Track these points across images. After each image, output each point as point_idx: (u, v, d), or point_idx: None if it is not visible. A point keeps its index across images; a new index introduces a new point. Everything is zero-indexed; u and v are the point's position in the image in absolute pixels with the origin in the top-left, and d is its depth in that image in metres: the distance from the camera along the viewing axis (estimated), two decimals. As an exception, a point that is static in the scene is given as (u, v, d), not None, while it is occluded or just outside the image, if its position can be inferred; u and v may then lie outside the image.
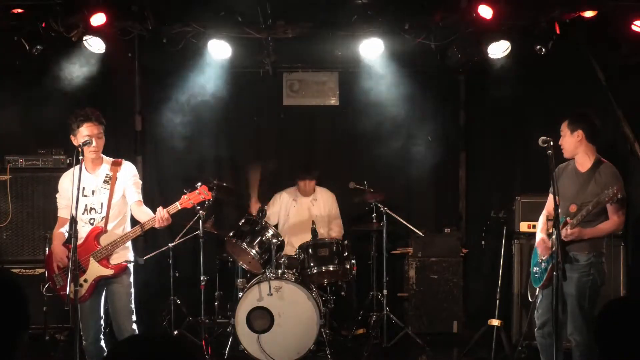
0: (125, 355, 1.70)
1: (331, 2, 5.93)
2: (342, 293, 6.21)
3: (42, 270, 5.87)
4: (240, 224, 5.96)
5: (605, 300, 4.62)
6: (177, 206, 4.50)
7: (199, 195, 4.55)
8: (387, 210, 6.17)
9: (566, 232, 4.49)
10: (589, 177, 4.59)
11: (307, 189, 6.66)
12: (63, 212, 4.60)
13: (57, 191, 4.65)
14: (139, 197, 4.61)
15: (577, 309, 4.56)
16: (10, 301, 1.79)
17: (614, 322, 2.03)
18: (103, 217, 4.49)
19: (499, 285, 5.85)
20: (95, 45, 5.85)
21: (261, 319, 5.52)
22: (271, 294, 5.53)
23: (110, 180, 4.53)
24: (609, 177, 4.52)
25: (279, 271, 5.66)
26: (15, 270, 6.14)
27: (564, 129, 4.67)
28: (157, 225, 4.42)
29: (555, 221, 4.48)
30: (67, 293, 4.04)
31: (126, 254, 4.58)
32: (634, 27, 5.64)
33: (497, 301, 5.83)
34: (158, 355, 1.69)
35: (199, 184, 4.64)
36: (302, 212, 6.65)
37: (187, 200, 4.52)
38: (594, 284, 4.56)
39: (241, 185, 6.96)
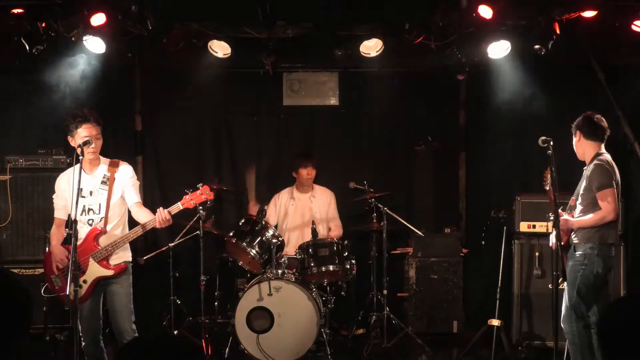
0: (132, 357, 1.70)
1: (331, 2, 5.93)
2: (342, 293, 6.20)
3: (42, 270, 5.84)
4: (240, 224, 5.96)
5: (605, 300, 4.72)
6: (179, 206, 4.49)
7: (200, 195, 4.54)
8: (387, 210, 6.17)
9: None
10: (586, 172, 4.81)
11: (309, 178, 6.59)
12: (60, 213, 4.61)
13: (54, 192, 4.65)
14: (138, 198, 4.60)
15: (567, 297, 4.69)
16: (11, 304, 1.78)
17: (617, 322, 2.03)
18: (102, 218, 4.49)
19: (499, 285, 5.85)
20: (95, 45, 5.85)
21: (261, 319, 5.52)
22: (271, 294, 5.53)
23: (108, 181, 4.52)
24: (591, 172, 4.72)
25: (279, 271, 5.65)
26: (15, 270, 6.14)
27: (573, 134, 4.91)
28: (158, 226, 4.42)
29: (555, 221, 4.54)
30: (67, 294, 4.04)
31: (126, 255, 4.58)
32: (634, 27, 5.64)
33: (497, 301, 5.83)
34: (164, 357, 1.69)
35: (201, 184, 4.63)
36: (300, 211, 6.64)
37: (189, 200, 4.52)
38: (585, 276, 4.65)
39: (241, 185, 6.96)
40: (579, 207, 4.82)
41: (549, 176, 4.72)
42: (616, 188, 4.69)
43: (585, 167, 4.86)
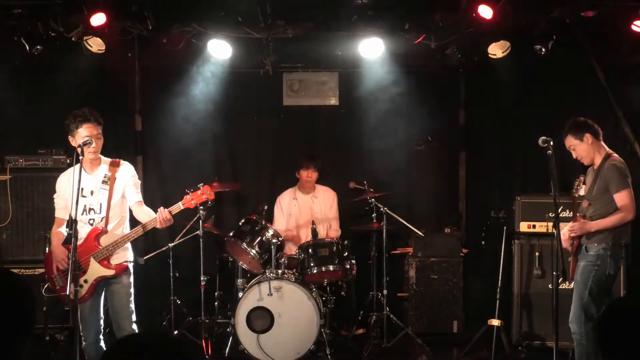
0: (122, 355, 1.70)
1: (331, 2, 5.93)
2: (342, 293, 6.20)
3: (42, 270, 5.85)
4: (240, 224, 5.96)
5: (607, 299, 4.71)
6: (179, 206, 4.49)
7: (201, 195, 4.54)
8: (387, 210, 6.17)
9: (571, 226, 4.69)
10: (598, 173, 4.76)
11: (309, 180, 6.57)
12: (60, 213, 4.60)
13: (55, 191, 4.65)
14: (139, 197, 4.60)
15: (577, 297, 4.69)
16: (15, 304, 1.78)
17: (616, 322, 2.03)
18: (103, 218, 4.48)
19: (499, 285, 5.85)
20: (95, 45, 5.85)
21: (261, 319, 5.52)
22: (271, 294, 5.53)
23: (109, 181, 4.52)
24: (607, 173, 4.68)
25: (279, 271, 5.65)
26: (15, 270, 6.11)
27: (571, 141, 4.82)
28: (159, 226, 4.42)
29: (555, 221, 4.54)
30: (67, 293, 4.04)
31: (126, 254, 4.58)
32: (634, 27, 5.64)
33: (497, 301, 5.83)
34: (155, 354, 1.69)
35: (201, 184, 4.63)
36: (303, 211, 6.63)
37: (190, 200, 4.52)
38: (597, 276, 4.63)
39: (241, 185, 6.96)
40: (590, 209, 4.77)
41: (581, 184, 4.72)
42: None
43: (593, 168, 4.82)
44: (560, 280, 4.68)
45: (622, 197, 4.61)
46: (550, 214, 4.71)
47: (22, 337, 1.78)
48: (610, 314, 2.09)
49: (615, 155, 4.78)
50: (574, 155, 4.86)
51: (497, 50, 5.98)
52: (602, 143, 4.82)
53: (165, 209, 4.40)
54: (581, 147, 4.79)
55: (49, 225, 5.14)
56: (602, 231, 4.66)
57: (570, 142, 4.81)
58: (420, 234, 6.40)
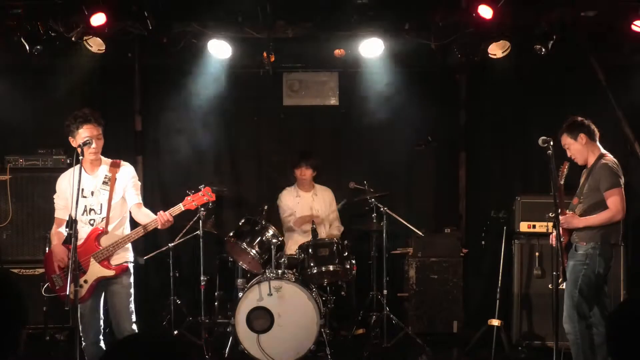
0: (122, 355, 1.70)
1: (331, 2, 5.93)
2: (342, 293, 6.20)
3: (42, 270, 5.85)
4: (240, 224, 5.96)
5: (604, 300, 4.72)
6: (180, 207, 4.49)
7: (202, 197, 4.54)
8: (387, 210, 6.17)
9: (560, 219, 4.69)
10: (590, 172, 4.80)
11: (304, 178, 6.60)
12: (60, 213, 4.60)
13: (55, 192, 4.65)
14: (139, 199, 4.60)
15: (569, 296, 4.71)
16: (6, 297, 1.78)
17: (625, 323, 2.02)
18: (103, 218, 4.48)
19: (499, 285, 5.86)
20: (95, 45, 5.86)
21: (261, 319, 5.52)
22: (271, 294, 5.53)
23: (110, 182, 4.52)
24: (598, 172, 4.71)
25: (279, 271, 5.65)
26: (15, 270, 6.14)
27: (566, 140, 4.87)
28: (159, 227, 4.42)
29: (555, 221, 4.54)
30: (67, 293, 4.04)
31: (126, 255, 4.58)
32: (634, 27, 5.64)
33: (497, 301, 5.84)
34: (154, 355, 1.69)
35: (202, 185, 4.63)
36: (305, 208, 6.64)
37: (191, 202, 4.52)
38: (587, 275, 4.66)
39: (241, 185, 6.96)
40: (580, 207, 4.82)
41: (565, 170, 4.74)
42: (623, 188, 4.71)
43: (586, 168, 4.86)
44: (560, 281, 4.69)
45: (611, 196, 4.64)
46: (550, 214, 4.70)
47: (14, 330, 1.76)
48: (621, 316, 2.08)
49: (609, 156, 4.80)
50: (569, 154, 4.89)
51: (497, 50, 5.98)
52: (597, 144, 4.84)
53: (166, 212, 4.40)
54: (575, 147, 4.83)
55: (49, 225, 5.14)
56: (591, 229, 4.69)
57: (565, 140, 4.87)
58: (420, 234, 6.39)
